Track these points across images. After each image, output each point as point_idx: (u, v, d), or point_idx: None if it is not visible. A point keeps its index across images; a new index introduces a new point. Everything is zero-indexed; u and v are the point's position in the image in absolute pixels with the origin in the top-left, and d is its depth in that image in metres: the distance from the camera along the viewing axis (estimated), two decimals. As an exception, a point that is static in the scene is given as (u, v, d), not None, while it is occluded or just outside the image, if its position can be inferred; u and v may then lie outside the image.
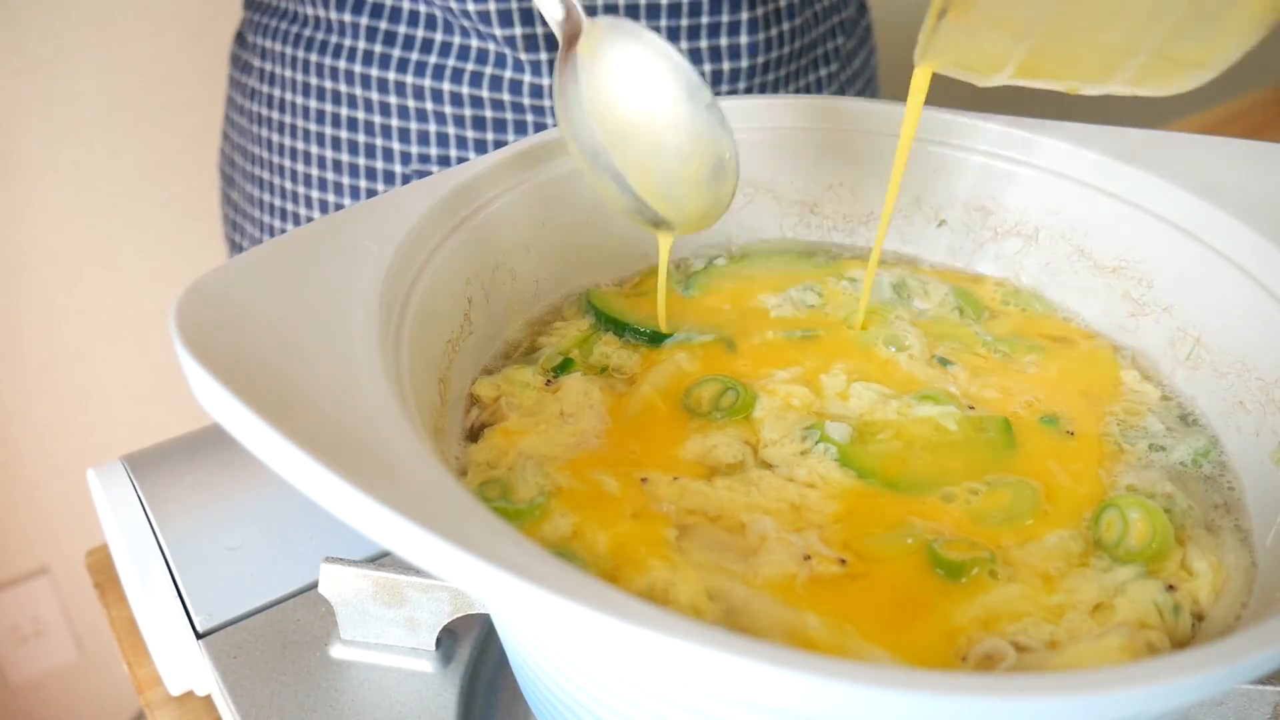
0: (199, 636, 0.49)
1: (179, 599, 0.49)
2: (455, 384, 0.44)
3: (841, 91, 0.81)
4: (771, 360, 0.48)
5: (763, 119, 0.53)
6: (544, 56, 0.69)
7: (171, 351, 0.31)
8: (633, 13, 0.69)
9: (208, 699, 0.54)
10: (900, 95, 0.51)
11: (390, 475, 0.30)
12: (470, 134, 0.73)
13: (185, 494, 0.52)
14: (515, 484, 0.40)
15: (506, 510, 0.39)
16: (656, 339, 0.49)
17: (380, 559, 0.49)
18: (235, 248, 0.87)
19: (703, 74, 0.71)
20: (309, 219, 0.78)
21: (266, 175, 0.79)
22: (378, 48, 0.72)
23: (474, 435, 0.44)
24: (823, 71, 0.79)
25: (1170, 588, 0.38)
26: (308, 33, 0.75)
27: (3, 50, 1.00)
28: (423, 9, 0.71)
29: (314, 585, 0.49)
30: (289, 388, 0.32)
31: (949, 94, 0.49)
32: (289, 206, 0.78)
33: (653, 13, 0.69)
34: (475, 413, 0.45)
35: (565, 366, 0.47)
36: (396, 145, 0.74)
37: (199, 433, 0.56)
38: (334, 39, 0.74)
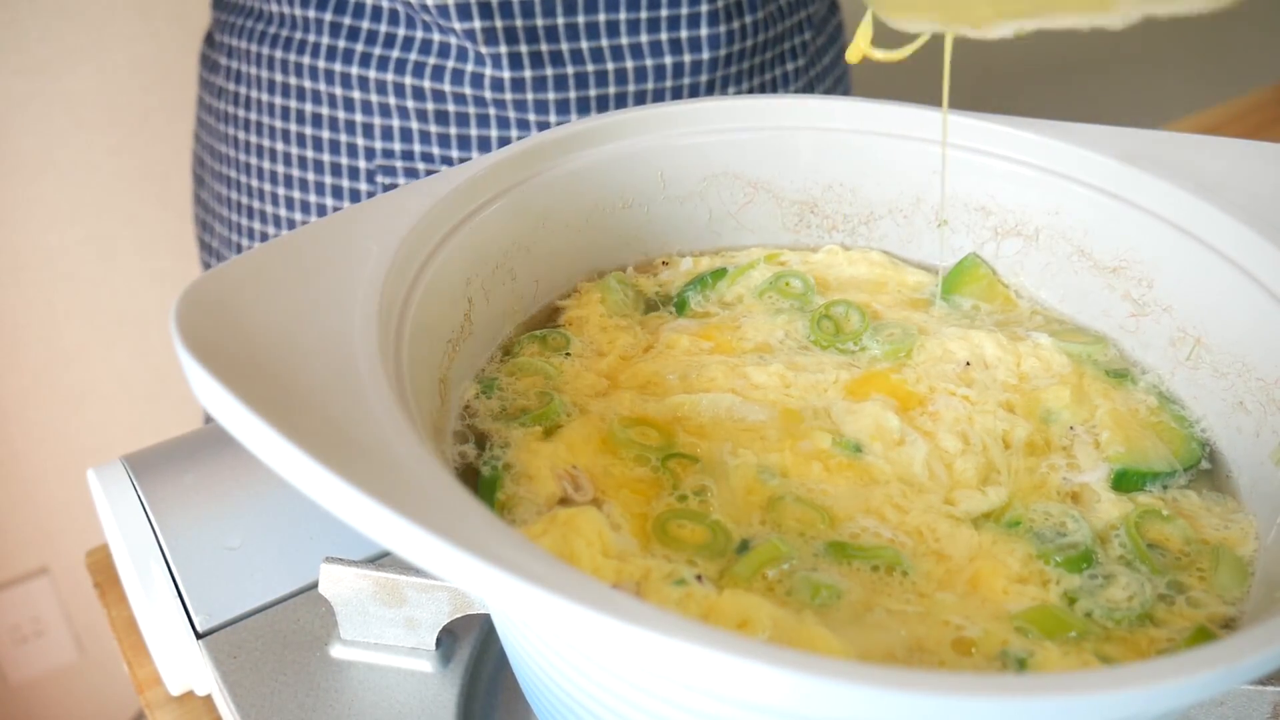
0: (199, 636, 0.49)
1: (179, 599, 0.49)
2: (455, 384, 0.44)
3: (810, 88, 0.81)
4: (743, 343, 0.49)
5: (763, 119, 0.53)
6: (504, 50, 0.69)
7: (171, 351, 0.31)
8: (591, 3, 0.69)
9: (208, 699, 0.54)
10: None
11: (390, 475, 0.30)
12: (434, 128, 0.73)
13: (185, 494, 0.52)
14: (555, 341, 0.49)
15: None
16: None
17: (380, 559, 0.49)
18: (205, 248, 0.87)
19: (662, 67, 0.71)
20: (275, 216, 0.78)
21: (234, 174, 0.79)
22: (341, 43, 0.72)
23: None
24: (789, 66, 0.78)
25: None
26: (273, 30, 0.75)
27: (2, 50, 1.00)
28: (385, 4, 0.71)
29: (314, 585, 0.49)
30: (289, 388, 0.32)
31: (950, 94, 0.49)
32: (255, 204, 0.78)
33: (611, 5, 0.69)
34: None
35: (681, 306, 0.51)
36: (360, 141, 0.74)
37: (199, 433, 0.56)
38: (299, 35, 0.74)
